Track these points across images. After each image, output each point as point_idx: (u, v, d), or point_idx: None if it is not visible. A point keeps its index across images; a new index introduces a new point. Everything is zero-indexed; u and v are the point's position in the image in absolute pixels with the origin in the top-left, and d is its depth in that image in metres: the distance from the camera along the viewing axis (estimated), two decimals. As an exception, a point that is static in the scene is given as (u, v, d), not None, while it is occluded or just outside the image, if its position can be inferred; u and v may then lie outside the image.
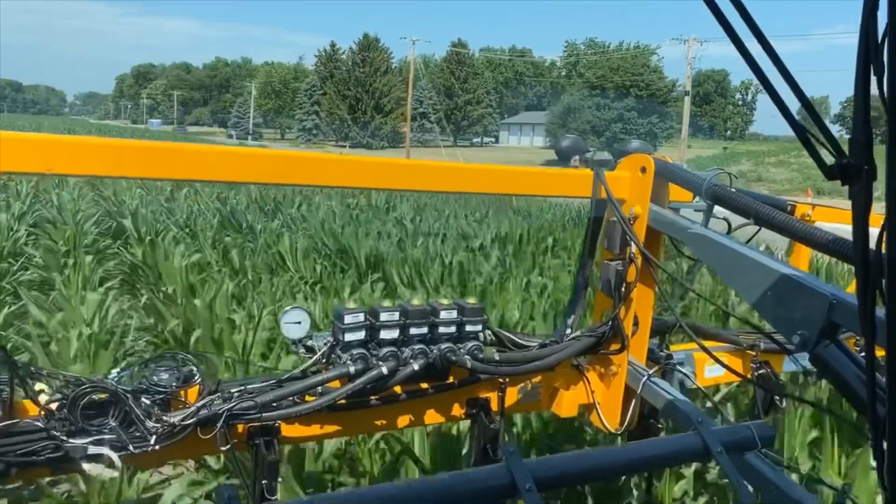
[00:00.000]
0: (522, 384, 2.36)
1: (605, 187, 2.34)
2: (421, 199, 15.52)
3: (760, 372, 2.76)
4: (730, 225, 2.34)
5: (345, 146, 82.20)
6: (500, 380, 2.27)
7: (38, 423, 1.68)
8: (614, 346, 2.41)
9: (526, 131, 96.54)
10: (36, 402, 1.72)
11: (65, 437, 1.68)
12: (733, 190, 2.17)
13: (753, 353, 2.78)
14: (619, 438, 2.53)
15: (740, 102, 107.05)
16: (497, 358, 2.19)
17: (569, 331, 2.42)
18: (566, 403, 2.41)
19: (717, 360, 2.32)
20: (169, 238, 8.97)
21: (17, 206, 10.57)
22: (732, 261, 2.03)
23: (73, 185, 14.74)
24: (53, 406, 1.70)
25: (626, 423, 2.45)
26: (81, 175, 1.72)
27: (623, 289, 2.36)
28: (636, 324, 2.42)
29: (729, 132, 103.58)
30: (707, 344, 2.57)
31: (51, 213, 10.42)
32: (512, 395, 2.33)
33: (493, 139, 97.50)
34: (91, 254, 7.92)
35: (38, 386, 1.75)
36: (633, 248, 2.33)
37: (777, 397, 2.79)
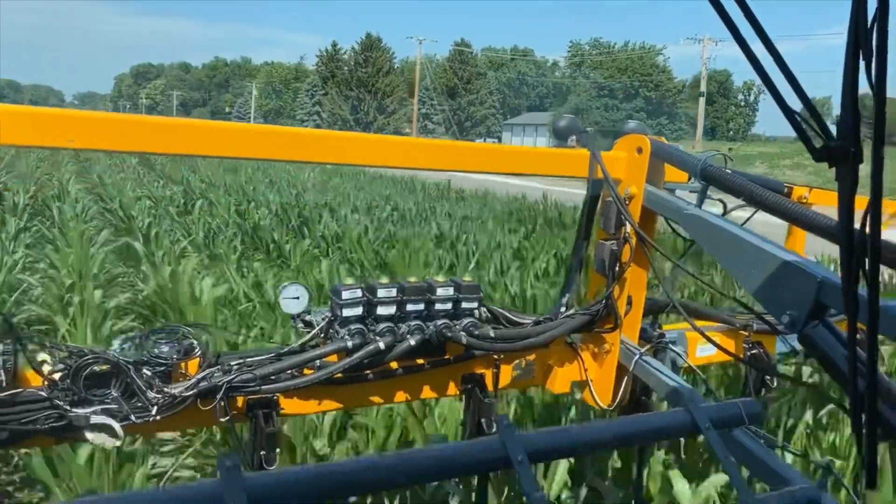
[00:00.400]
0: (517, 361, 2.41)
1: (601, 167, 2.38)
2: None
3: (753, 352, 2.80)
4: (725, 206, 2.39)
5: None
6: (496, 356, 2.32)
7: (42, 393, 1.72)
8: (608, 325, 2.45)
9: (529, 132, 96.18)
10: (39, 372, 1.76)
11: (68, 407, 1.72)
12: (728, 171, 2.21)
13: (746, 334, 2.83)
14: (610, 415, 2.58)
15: (743, 103, 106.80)
16: (492, 335, 2.24)
17: (563, 309, 2.47)
18: (559, 380, 2.46)
19: (710, 340, 2.37)
20: (190, 267, 7.36)
21: (13, 223, 9.43)
22: (726, 242, 2.07)
23: (76, 195, 13.77)
24: (56, 376, 1.75)
25: (617, 400, 2.50)
26: (101, 149, 1.75)
27: (617, 268, 2.40)
28: (629, 303, 2.47)
29: (731, 132, 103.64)
30: (700, 324, 2.61)
31: (51, 233, 9.36)
32: (507, 371, 2.38)
33: (495, 140, 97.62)
34: (100, 286, 6.76)
35: (42, 356, 1.79)
36: (629, 227, 2.37)
37: (768, 378, 2.84)
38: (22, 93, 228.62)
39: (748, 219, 2.38)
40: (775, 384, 2.96)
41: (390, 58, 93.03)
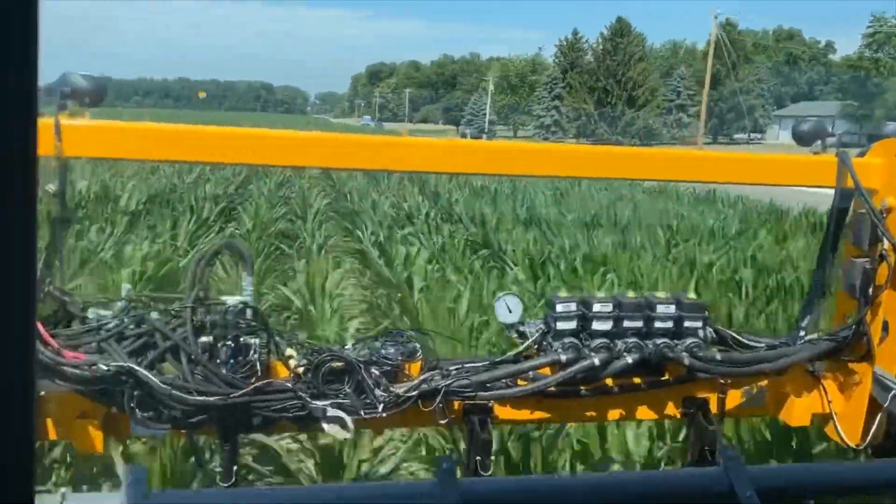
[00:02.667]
0: (746, 387, 2.32)
1: (851, 175, 2.21)
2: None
3: None
4: None
5: (584, 143, 79.34)
6: (721, 380, 2.25)
7: (288, 385, 2.01)
8: (858, 353, 2.26)
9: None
10: (287, 366, 2.06)
11: (309, 399, 1.99)
12: None
13: None
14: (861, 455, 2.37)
15: None
16: (718, 357, 2.18)
17: (803, 333, 2.32)
18: (797, 411, 2.31)
19: None
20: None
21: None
22: None
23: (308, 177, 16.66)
24: (300, 370, 2.03)
25: (869, 439, 2.29)
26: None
27: (871, 290, 2.21)
28: (885, 329, 2.25)
29: None
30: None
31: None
32: (734, 397, 2.30)
33: (759, 134, 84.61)
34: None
35: (289, 351, 2.10)
36: (885, 244, 2.17)
37: None
38: (274, 93, 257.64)
39: None
40: None
41: (642, 42, 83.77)
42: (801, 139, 2.35)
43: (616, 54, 79.04)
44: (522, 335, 2.21)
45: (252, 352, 2.00)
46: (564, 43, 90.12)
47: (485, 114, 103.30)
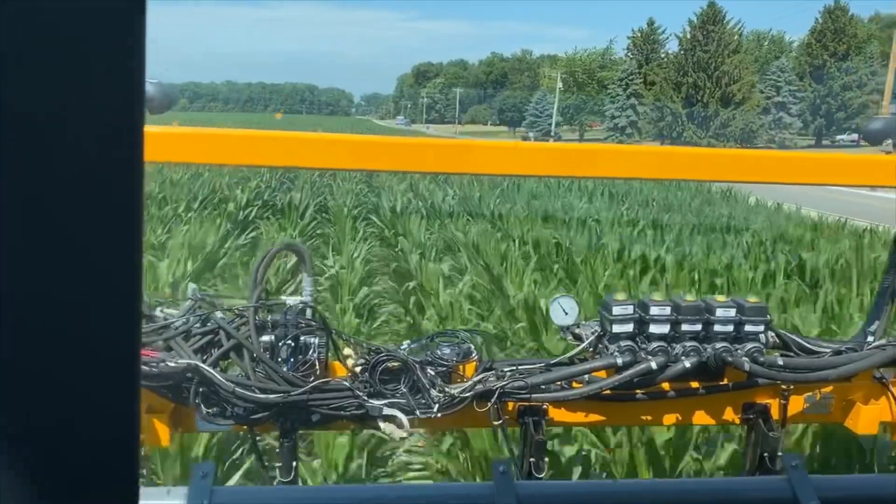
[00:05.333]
0: (810, 393, 2.33)
1: None
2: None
3: None
4: None
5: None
6: (783, 386, 2.27)
7: (345, 383, 2.11)
8: (928, 361, 2.26)
9: (910, 123, 75.73)
10: (344, 365, 2.17)
11: (365, 398, 2.09)
12: None
13: None
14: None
15: None
16: (780, 363, 2.20)
17: (871, 338, 2.33)
18: (864, 419, 2.32)
19: None
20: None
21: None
22: None
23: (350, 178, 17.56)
24: (357, 369, 2.13)
25: None
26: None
27: None
28: (957, 336, 2.25)
29: None
30: None
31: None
32: (796, 403, 2.32)
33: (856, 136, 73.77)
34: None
35: (346, 351, 2.20)
36: (958, 247, 2.17)
37: None
38: (319, 95, 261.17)
39: None
40: None
41: (739, 31, 73.31)
42: (871, 138, 2.36)
43: (707, 45, 69.92)
44: (578, 337, 2.27)
45: (311, 351, 2.11)
46: (638, 35, 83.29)
47: (549, 114, 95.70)
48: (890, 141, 2.30)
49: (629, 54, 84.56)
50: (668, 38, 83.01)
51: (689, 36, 71.33)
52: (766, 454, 2.23)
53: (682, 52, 71.79)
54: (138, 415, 0.53)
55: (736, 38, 71.39)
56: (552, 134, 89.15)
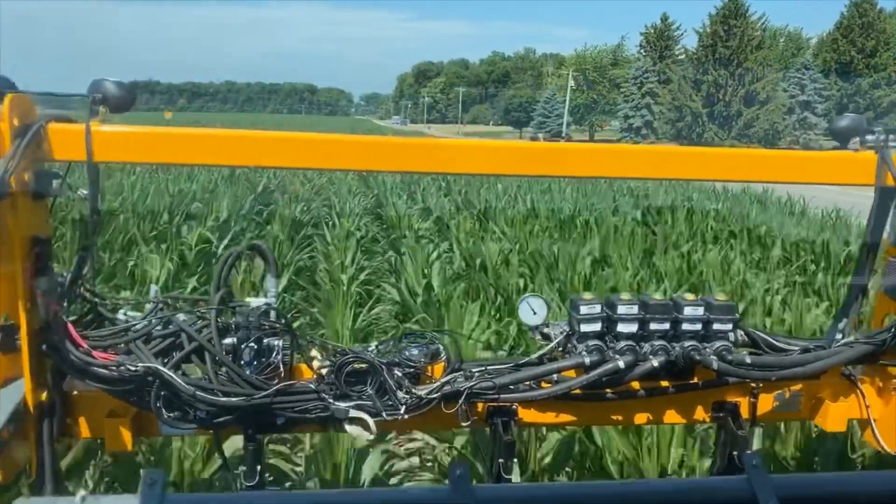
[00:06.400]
0: (779, 391, 2.34)
1: (892, 172, 2.22)
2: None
3: None
4: None
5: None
6: (753, 384, 2.28)
7: (311, 386, 2.12)
8: (897, 357, 2.27)
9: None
10: (310, 367, 2.18)
11: (331, 400, 2.10)
12: None
13: None
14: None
15: None
16: (748, 361, 2.20)
17: (840, 335, 2.33)
18: (832, 416, 2.33)
19: None
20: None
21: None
22: None
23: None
24: (323, 371, 2.14)
25: None
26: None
27: None
28: (927, 332, 2.25)
29: None
30: None
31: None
32: (766, 401, 2.33)
33: None
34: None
35: (312, 352, 2.21)
36: (927, 244, 2.18)
37: None
38: (318, 95, 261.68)
39: None
40: None
41: (763, 26, 68.11)
42: (839, 136, 2.36)
43: (729, 40, 64.71)
44: (546, 337, 2.28)
45: (275, 353, 2.12)
46: (651, 31, 78.90)
47: (558, 114, 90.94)
48: (857, 139, 2.31)
49: (642, 51, 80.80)
50: (682, 33, 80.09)
51: (708, 31, 66.90)
52: (735, 453, 2.24)
53: (702, 47, 67.05)
54: None
55: (759, 33, 66.83)
56: (563, 135, 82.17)
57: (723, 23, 65.24)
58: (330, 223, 10.84)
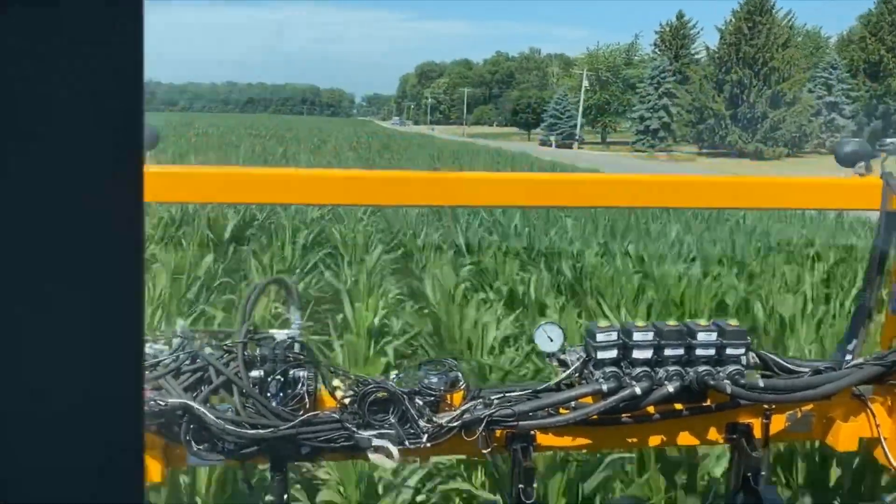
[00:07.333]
0: (791, 412, 2.41)
1: None
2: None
3: None
4: None
5: (699, 153, 62.30)
6: (765, 406, 2.34)
7: (334, 415, 2.20)
8: (907, 378, 2.33)
9: None
10: (334, 397, 2.25)
11: (355, 429, 2.17)
12: None
13: None
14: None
15: None
16: (761, 384, 2.27)
17: (849, 357, 2.40)
18: (844, 436, 2.39)
19: None
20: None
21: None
22: None
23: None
24: (346, 401, 2.22)
25: None
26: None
27: None
28: (935, 353, 2.32)
29: None
30: None
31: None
32: (778, 422, 2.39)
33: None
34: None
35: (335, 382, 2.28)
36: (934, 266, 2.24)
37: None
38: (320, 96, 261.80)
39: None
40: None
41: (790, 23, 66.04)
42: (843, 161, 2.43)
43: (753, 38, 61.67)
44: (563, 363, 2.35)
45: (300, 384, 2.20)
46: (667, 29, 77.27)
47: (570, 116, 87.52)
48: (863, 163, 2.38)
49: (657, 50, 78.96)
50: (699, 31, 76.16)
51: (731, 28, 64.22)
52: (749, 474, 2.31)
53: (725, 45, 64.20)
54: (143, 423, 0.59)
55: (787, 30, 64.73)
56: (577, 137, 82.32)
57: (747, 19, 62.84)
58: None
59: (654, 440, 2.39)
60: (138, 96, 0.52)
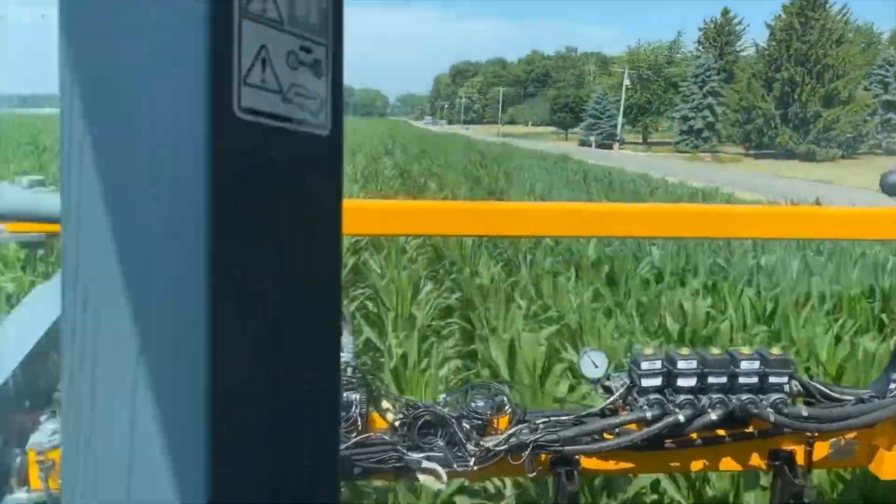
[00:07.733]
0: (834, 439, 2.44)
1: None
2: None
3: None
4: None
5: (746, 154, 59.67)
6: (808, 433, 2.38)
7: (385, 437, 2.29)
8: (952, 407, 2.35)
9: None
10: (385, 420, 2.34)
11: (405, 451, 2.26)
12: None
13: None
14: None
15: None
16: (804, 413, 2.31)
17: (893, 386, 2.42)
18: (888, 464, 2.42)
19: None
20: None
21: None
22: None
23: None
24: (397, 424, 2.31)
25: None
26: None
27: None
28: (982, 383, 2.33)
29: None
30: None
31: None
32: (822, 448, 2.43)
33: None
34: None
35: (385, 405, 2.38)
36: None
37: None
38: (354, 95, 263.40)
39: None
40: None
41: (846, 18, 62.56)
42: (889, 191, 2.45)
43: (805, 34, 58.78)
44: (608, 390, 2.41)
45: (353, 407, 2.29)
46: (711, 26, 75.28)
47: (610, 116, 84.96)
48: None
49: (700, 48, 76.40)
50: (745, 28, 72.91)
51: (782, 24, 61.05)
52: (791, 501, 2.35)
53: (775, 42, 61.18)
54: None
55: (841, 25, 60.78)
56: (618, 137, 79.79)
57: (799, 14, 59.97)
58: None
59: (697, 464, 2.44)
60: None
